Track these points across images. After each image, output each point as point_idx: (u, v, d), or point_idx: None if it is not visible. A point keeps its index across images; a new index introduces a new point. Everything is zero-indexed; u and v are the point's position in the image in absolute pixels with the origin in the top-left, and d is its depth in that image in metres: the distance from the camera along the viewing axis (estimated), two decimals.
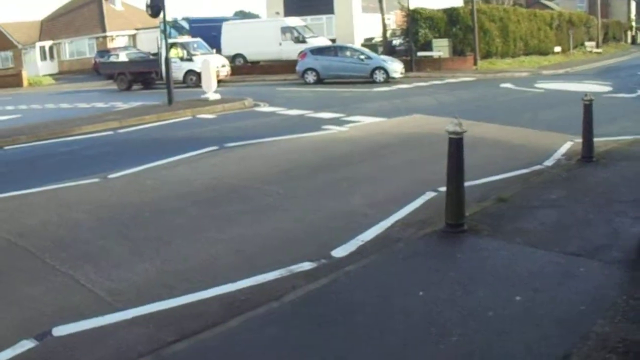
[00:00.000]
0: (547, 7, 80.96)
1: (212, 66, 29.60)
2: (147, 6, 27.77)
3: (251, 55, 49.04)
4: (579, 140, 14.93)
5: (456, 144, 8.84)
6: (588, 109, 14.24)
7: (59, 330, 6.68)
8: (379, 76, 35.82)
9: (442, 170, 9.14)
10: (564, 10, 72.49)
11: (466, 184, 9.13)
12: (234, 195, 12.10)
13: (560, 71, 44.39)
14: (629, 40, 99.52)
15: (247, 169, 14.34)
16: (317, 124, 20.44)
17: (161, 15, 27.91)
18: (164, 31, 29.56)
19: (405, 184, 12.43)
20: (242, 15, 72.22)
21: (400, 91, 31.23)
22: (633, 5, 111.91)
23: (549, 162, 14.52)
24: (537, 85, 33.48)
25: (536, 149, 16.30)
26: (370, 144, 17.05)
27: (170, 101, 27.01)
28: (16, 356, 6.22)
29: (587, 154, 14.09)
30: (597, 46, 70.71)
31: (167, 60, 28.09)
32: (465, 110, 22.73)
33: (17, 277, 8.33)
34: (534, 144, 17.08)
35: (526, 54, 52.55)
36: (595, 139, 14.38)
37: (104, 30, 72.35)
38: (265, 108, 25.99)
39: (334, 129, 19.51)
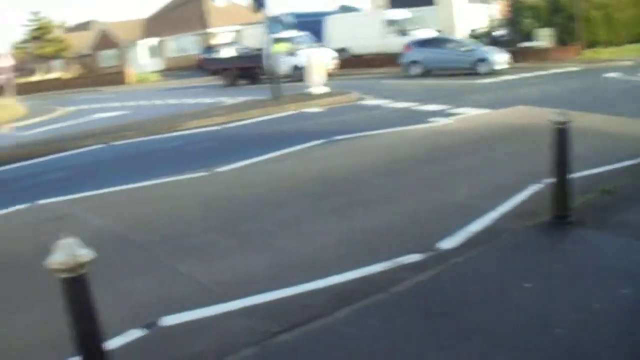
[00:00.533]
0: None
1: (316, 60, 29.69)
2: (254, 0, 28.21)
3: (355, 49, 48.84)
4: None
5: (561, 134, 8.66)
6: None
7: (166, 320, 6.84)
8: (483, 67, 35.24)
9: (547, 162, 8.92)
10: None
11: (572, 175, 8.90)
12: (340, 187, 12.13)
13: None
14: None
15: (353, 162, 14.35)
16: (423, 116, 20.34)
17: (265, 9, 28.21)
18: (267, 25, 29.72)
19: (511, 176, 12.21)
20: (345, 10, 72.05)
21: (505, 82, 30.76)
22: None
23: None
24: None
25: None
26: (475, 135, 16.86)
27: (275, 96, 27.18)
28: (126, 344, 6.38)
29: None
30: None
31: (270, 54, 28.32)
32: (570, 100, 22.27)
33: (126, 269, 8.55)
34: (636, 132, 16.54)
35: (631, 42, 51.14)
36: None
37: (206, 27, 73.35)
38: (370, 101, 26.00)
39: (440, 121, 19.36)
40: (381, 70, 43.01)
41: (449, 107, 22.03)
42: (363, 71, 43.91)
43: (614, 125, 17.66)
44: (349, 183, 12.38)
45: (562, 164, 8.69)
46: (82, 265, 4.31)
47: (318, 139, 17.19)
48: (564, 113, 8.70)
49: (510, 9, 44.51)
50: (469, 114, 20.57)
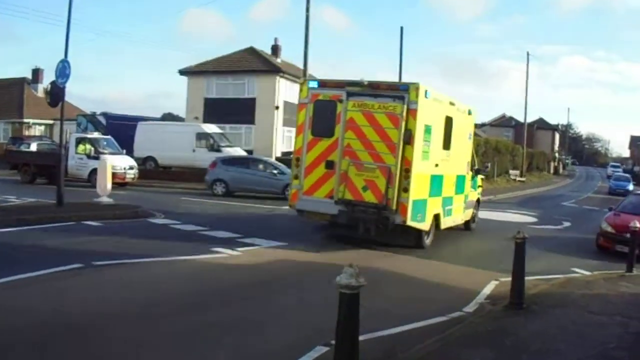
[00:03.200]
0: (475, 134, 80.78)
1: (108, 167, 27.14)
2: (46, 93, 25.22)
3: (163, 160, 46.33)
4: (505, 279, 13.76)
5: (348, 303, 6.89)
6: (520, 248, 12.77)
7: None
8: None
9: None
10: (490, 137, 72.33)
11: (368, 336, 8.35)
12: (66, 340, 9.34)
13: (484, 198, 43.22)
14: (552, 170, 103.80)
15: (102, 299, 11.74)
16: (209, 245, 17.87)
17: (60, 104, 25.15)
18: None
19: (292, 334, 10.27)
20: (170, 118, 69.76)
21: None
22: (557, 137, 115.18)
23: (470, 308, 12.98)
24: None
25: (456, 289, 14.80)
26: (261, 274, 14.83)
27: (59, 202, 24.19)
28: None
29: (517, 299, 12.57)
30: (521, 175, 71.54)
31: (61, 155, 25.62)
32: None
33: None
34: (453, 282, 15.52)
35: None
36: None
37: (22, 116, 69.73)
38: (159, 220, 23.28)
39: (225, 252, 16.99)
40: (188, 185, 40.52)
41: (243, 235, 19.73)
42: (169, 185, 41.23)
43: (424, 269, 16.93)
44: (81, 334, 9.61)
45: (349, 331, 7.11)
46: None
47: (78, 262, 14.41)
48: (356, 272, 6.87)
49: None
50: (263, 246, 18.48)
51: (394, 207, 18.21)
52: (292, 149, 49.06)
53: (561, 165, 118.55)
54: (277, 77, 53.22)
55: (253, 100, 53.61)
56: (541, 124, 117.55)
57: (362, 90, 19.05)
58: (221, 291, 13.00)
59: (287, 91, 53.77)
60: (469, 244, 22.44)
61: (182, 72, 56.51)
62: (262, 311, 11.60)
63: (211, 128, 46.35)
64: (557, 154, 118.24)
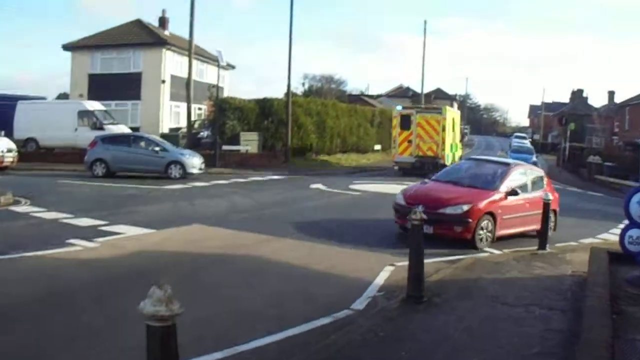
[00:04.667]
0: (369, 104, 79.78)
1: None
2: None
3: (44, 141, 43.36)
4: (402, 263, 12.25)
5: (161, 339, 4.61)
6: (417, 231, 11.29)
7: None
8: (175, 171, 31.92)
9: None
10: (386, 108, 71.13)
11: (225, 354, 7.70)
12: None
13: (378, 170, 42.13)
14: None
15: None
16: (65, 235, 15.78)
17: None
18: None
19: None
20: (65, 97, 66.72)
21: (194, 190, 27.39)
22: (455, 106, 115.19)
23: (360, 305, 11.18)
24: (352, 186, 30.49)
25: (344, 279, 13.14)
26: (107, 274, 12.67)
27: None
28: None
29: (416, 291, 10.95)
30: None
31: None
32: (259, 218, 19.79)
33: None
34: (342, 270, 13.80)
35: (344, 151, 50.03)
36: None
37: None
38: (22, 207, 20.87)
39: (80, 245, 14.91)
40: (70, 167, 37.77)
41: (108, 222, 17.67)
42: (49, 167, 38.44)
43: (309, 256, 15.14)
44: None
45: None
46: None
47: None
48: (167, 295, 4.58)
49: (214, 109, 41.28)
50: (127, 234, 16.47)
51: (440, 157, 40.71)
52: (180, 125, 47.63)
53: (462, 134, 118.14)
54: (164, 50, 51.18)
55: (139, 74, 51.61)
56: (439, 94, 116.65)
57: (422, 110, 43.47)
58: (50, 298, 10.88)
59: (174, 65, 51.75)
60: (360, 221, 20.94)
61: (66, 47, 53.93)
62: (83, 325, 9.53)
63: (94, 105, 43.82)
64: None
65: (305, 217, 20.94)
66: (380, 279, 13.12)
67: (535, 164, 52.25)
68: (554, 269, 14.56)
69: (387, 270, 13.79)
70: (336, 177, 36.31)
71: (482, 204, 17.43)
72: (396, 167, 42.19)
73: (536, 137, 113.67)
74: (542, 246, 17.12)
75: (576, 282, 13.08)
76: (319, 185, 30.43)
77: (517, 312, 10.57)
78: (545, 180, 21.02)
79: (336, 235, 17.68)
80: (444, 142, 41.41)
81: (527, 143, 75.57)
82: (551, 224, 18.97)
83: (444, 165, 36.97)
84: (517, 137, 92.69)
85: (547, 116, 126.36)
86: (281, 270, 13.53)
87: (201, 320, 9.45)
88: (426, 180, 20.47)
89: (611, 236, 21.55)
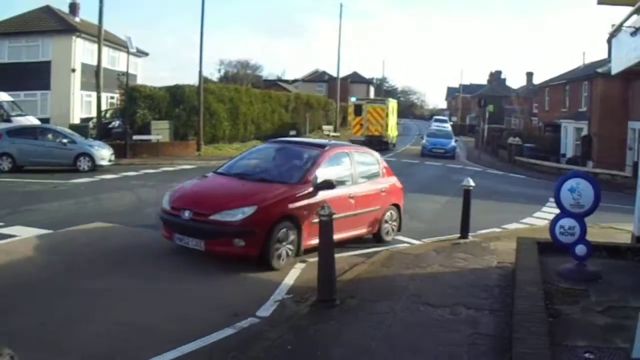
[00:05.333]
0: (285, 89, 78.74)
1: None
2: None
3: None
4: (314, 259, 10.88)
5: None
6: (327, 227, 10.15)
7: None
8: (84, 164, 30.34)
9: None
10: (302, 93, 70.19)
11: None
12: None
13: None
14: None
15: None
16: None
17: None
18: None
19: None
20: None
21: (101, 184, 25.91)
22: (372, 90, 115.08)
23: (266, 311, 10.16)
24: None
25: (251, 280, 12.09)
26: None
27: None
28: None
29: (327, 294, 9.92)
30: (335, 130, 69.91)
31: None
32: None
33: None
34: (249, 269, 12.59)
35: (258, 138, 49.03)
36: (335, 255, 10.42)
37: None
38: None
39: None
40: None
41: (3, 224, 16.07)
42: None
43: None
44: None
45: None
46: None
47: None
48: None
49: (124, 97, 39.78)
50: (22, 237, 14.89)
51: (384, 136, 56.49)
52: (92, 115, 45.93)
53: None
54: (74, 38, 49.13)
55: (48, 63, 49.24)
56: (355, 78, 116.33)
57: (371, 101, 63.26)
58: None
59: (85, 53, 49.87)
60: None
61: None
62: None
63: (1, 96, 41.76)
64: None
65: None
66: (290, 278, 12.14)
67: (454, 149, 54.28)
68: (478, 261, 13.72)
69: (298, 267, 12.86)
70: None
71: (275, 205, 12.86)
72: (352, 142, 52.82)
73: (454, 119, 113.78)
74: (463, 234, 16.31)
75: (503, 275, 12.32)
76: None
77: (442, 315, 9.69)
78: (382, 166, 16.81)
79: None
80: (387, 125, 58.27)
81: (447, 127, 71.08)
82: (393, 225, 16.45)
83: (387, 142, 57.91)
84: (436, 120, 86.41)
85: (464, 98, 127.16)
86: (185, 271, 12.38)
87: (92, 336, 8.47)
88: (207, 174, 15.53)
89: (535, 220, 21.02)
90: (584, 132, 47.93)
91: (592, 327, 8.46)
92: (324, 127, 69.70)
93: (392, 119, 62.15)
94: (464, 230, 16.32)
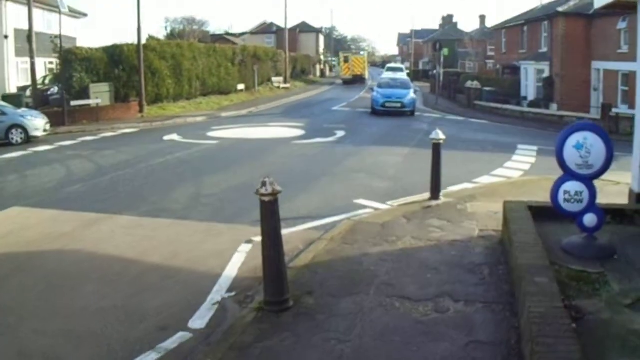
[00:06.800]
0: (233, 43, 75.99)
1: None
2: None
3: None
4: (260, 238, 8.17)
5: None
6: (270, 209, 7.86)
7: None
8: (16, 136, 27.62)
9: None
10: (249, 45, 67.49)
11: None
12: None
13: (243, 112, 40.01)
14: (318, 74, 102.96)
15: None
16: None
17: None
18: None
19: None
20: None
21: (32, 158, 23.34)
22: (322, 39, 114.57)
23: (201, 320, 8.07)
24: (211, 133, 27.37)
25: (187, 274, 9.86)
26: None
27: None
28: None
29: (276, 295, 7.83)
30: (285, 81, 67.92)
31: None
32: (94, 187, 16.66)
33: None
34: (185, 260, 10.50)
35: (204, 94, 46.67)
36: (285, 232, 8.99)
37: None
38: None
39: None
40: None
41: None
42: None
43: (144, 239, 11.86)
44: None
45: None
46: None
47: None
48: None
49: (60, 61, 37.15)
50: None
51: (364, 75, 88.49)
52: (29, 83, 43.32)
53: (328, 68, 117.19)
54: (4, 2, 45.88)
55: None
56: (304, 28, 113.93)
57: (354, 53, 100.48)
58: None
59: (18, 17, 46.78)
60: (215, 179, 17.73)
61: None
62: None
63: None
64: (322, 57, 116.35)
65: (150, 181, 17.74)
66: (233, 267, 9.99)
67: (414, 103, 40.90)
68: (456, 229, 11.51)
69: (242, 251, 10.74)
70: (195, 124, 32.82)
71: None
72: (340, 81, 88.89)
73: (406, 64, 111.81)
74: (434, 195, 14.24)
75: (489, 248, 10.16)
76: (174, 136, 27.13)
77: (425, 312, 7.55)
78: None
79: (183, 203, 14.62)
80: (365, 68, 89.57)
81: (403, 75, 56.04)
82: None
83: (365, 79, 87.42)
84: (389, 68, 77.60)
85: (417, 43, 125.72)
86: (104, 270, 10.04)
87: None
88: None
89: (509, 172, 19.15)
90: (546, 74, 46.10)
91: (630, 334, 6.27)
92: (274, 79, 67.29)
93: (367, 65, 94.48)
94: (435, 191, 14.24)
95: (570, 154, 8.57)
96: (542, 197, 11.42)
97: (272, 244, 7.77)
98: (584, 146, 8.52)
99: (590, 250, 8.67)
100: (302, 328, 7.21)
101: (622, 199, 11.93)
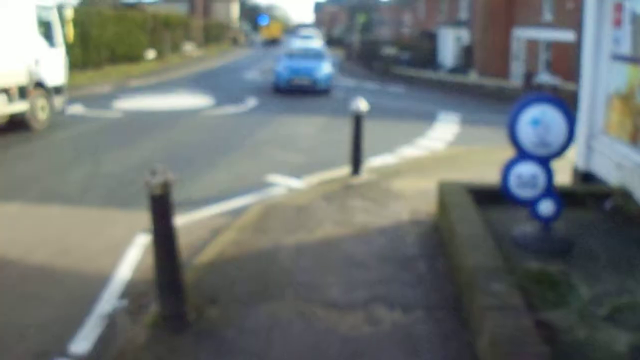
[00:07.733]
0: (143, 10, 73.74)
1: None
2: None
3: None
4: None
5: None
6: (163, 204, 6.10)
7: None
8: None
9: None
10: (160, 13, 65.32)
11: None
12: None
13: (153, 81, 37.87)
14: (232, 41, 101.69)
15: None
16: None
17: None
18: None
19: None
20: None
21: None
22: (236, 7, 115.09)
23: (86, 341, 6.34)
24: (115, 105, 25.43)
25: (73, 276, 8.05)
26: None
27: None
28: None
29: (173, 308, 6.27)
30: (198, 48, 66.01)
31: None
32: None
33: None
34: (74, 258, 8.66)
35: (113, 63, 44.64)
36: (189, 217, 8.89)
37: None
38: None
39: None
40: None
41: None
42: None
43: (37, 238, 9.55)
44: None
45: None
46: None
47: None
48: None
49: None
50: None
51: (280, 38, 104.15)
52: None
53: (242, 35, 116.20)
54: None
55: None
56: None
57: (273, 21, 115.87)
58: None
59: None
60: (116, 156, 15.85)
61: None
62: None
63: None
64: (237, 24, 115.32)
65: (43, 159, 15.79)
66: (127, 265, 8.27)
67: (329, 79, 32.37)
68: (382, 212, 10.10)
69: (139, 244, 9.02)
70: (101, 95, 30.76)
71: None
72: (259, 44, 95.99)
73: (318, 31, 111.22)
74: (356, 170, 12.85)
75: (423, 235, 8.77)
76: (78, 107, 25.12)
77: (355, 325, 6.07)
78: None
79: (78, 186, 12.85)
80: (280, 32, 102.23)
81: (313, 43, 45.15)
82: None
83: (280, 41, 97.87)
84: (301, 37, 67.86)
85: (332, 11, 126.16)
86: None
87: None
88: None
89: (431, 143, 18.06)
90: (465, 41, 45.20)
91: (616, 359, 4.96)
92: (186, 46, 65.21)
93: (282, 30, 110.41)
94: (356, 166, 12.82)
95: (525, 132, 7.03)
96: (474, 173, 10.21)
97: (165, 249, 6.09)
98: (541, 122, 7.07)
99: (546, 244, 7.26)
100: (206, 352, 5.66)
101: (563, 177, 10.49)
